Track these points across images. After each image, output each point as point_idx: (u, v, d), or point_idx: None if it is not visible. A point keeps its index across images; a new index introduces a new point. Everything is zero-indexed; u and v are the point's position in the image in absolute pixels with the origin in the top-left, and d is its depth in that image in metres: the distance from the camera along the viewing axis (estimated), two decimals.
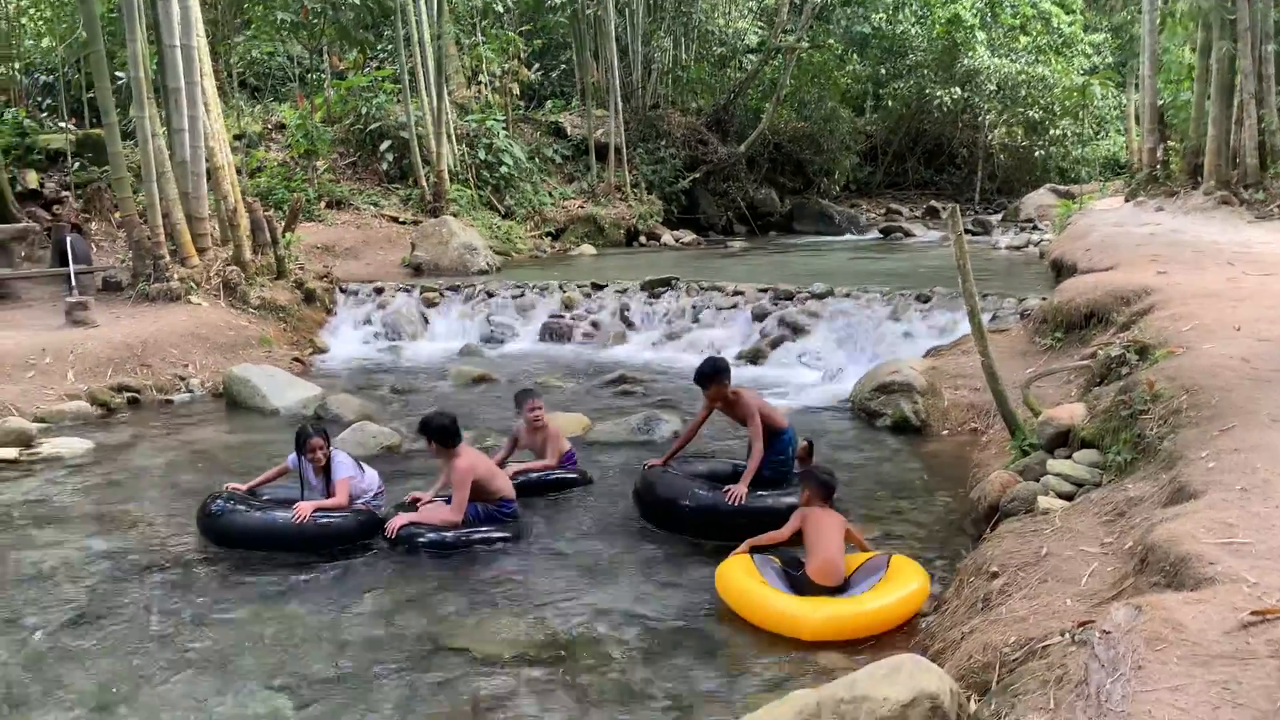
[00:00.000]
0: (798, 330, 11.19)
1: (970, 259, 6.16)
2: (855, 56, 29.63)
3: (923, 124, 30.42)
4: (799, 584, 4.80)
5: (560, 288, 13.22)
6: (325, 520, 5.67)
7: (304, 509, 5.64)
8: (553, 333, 12.57)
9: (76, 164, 16.68)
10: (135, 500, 6.63)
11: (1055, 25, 29.00)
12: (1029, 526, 4.72)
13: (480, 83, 22.76)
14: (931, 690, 2.99)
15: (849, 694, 3.03)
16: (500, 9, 23.25)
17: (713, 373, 6.06)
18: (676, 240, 22.08)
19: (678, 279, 12.91)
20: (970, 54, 27.60)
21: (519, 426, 6.91)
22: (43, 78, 21.13)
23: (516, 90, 23.58)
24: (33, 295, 12.72)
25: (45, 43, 20.61)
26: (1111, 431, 5.39)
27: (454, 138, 19.65)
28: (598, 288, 13.14)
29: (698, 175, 24.37)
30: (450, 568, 5.38)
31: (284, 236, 13.08)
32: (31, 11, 20.88)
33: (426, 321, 13.09)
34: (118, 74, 15.50)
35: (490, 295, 13.31)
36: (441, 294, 13.41)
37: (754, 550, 5.01)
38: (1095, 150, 30.88)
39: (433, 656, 4.35)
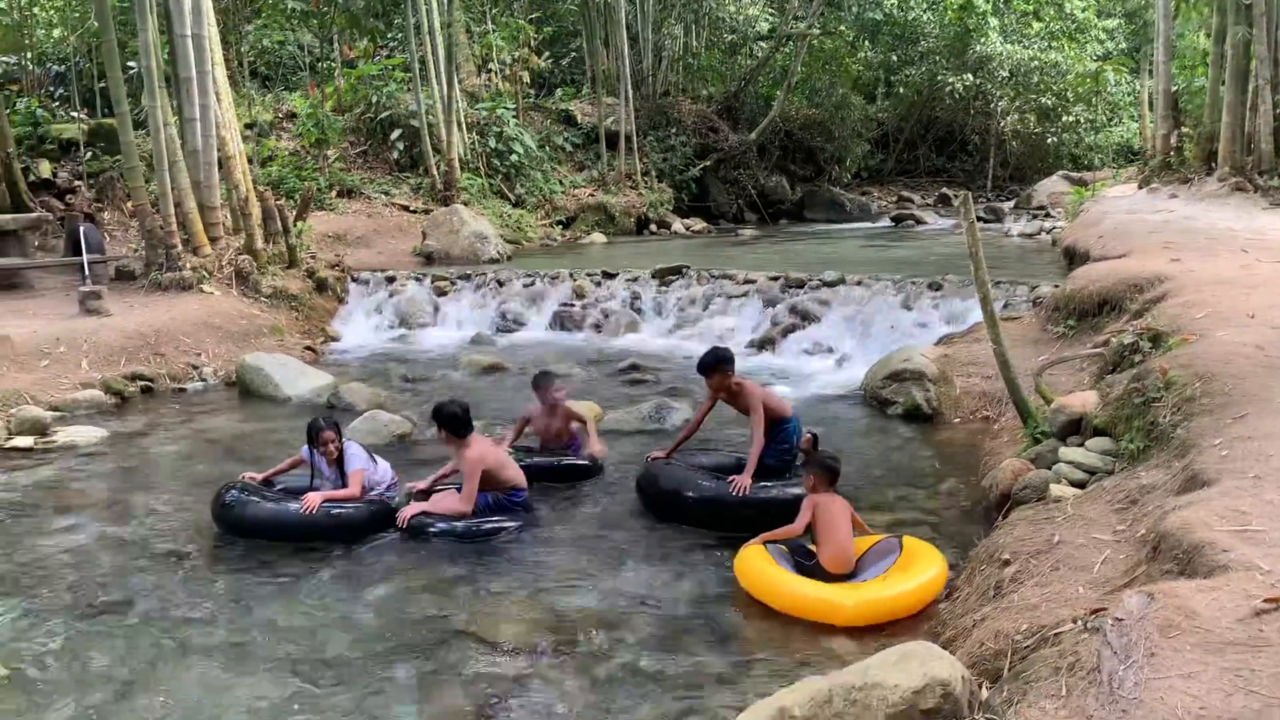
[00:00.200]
0: (809, 318, 11.17)
1: (982, 246, 6.15)
2: (867, 43, 29.51)
3: (934, 111, 30.30)
4: (811, 573, 4.81)
5: (571, 276, 13.22)
6: (337, 511, 5.70)
7: (312, 500, 5.66)
8: (564, 321, 12.58)
9: (89, 153, 16.72)
10: (149, 488, 6.67)
11: (1068, 11, 28.80)
12: (1041, 514, 4.72)
13: (490, 71, 22.73)
14: (943, 677, 2.99)
15: (860, 681, 3.04)
16: None
17: (715, 363, 6.05)
18: (687, 228, 22.05)
19: (688, 267, 12.90)
20: (982, 40, 27.45)
21: (533, 408, 6.89)
22: (55, 67, 21.17)
23: (527, 78, 23.55)
24: (46, 285, 12.78)
25: (57, 33, 20.65)
26: (1124, 419, 5.37)
27: (464, 126, 19.64)
28: (608, 276, 13.13)
29: (708, 163, 24.30)
30: (462, 556, 5.40)
31: (295, 225, 13.10)
32: (43, 1, 20.91)
33: (438, 310, 13.11)
34: (129, 63, 15.54)
35: (501, 284, 13.32)
36: (452, 283, 13.43)
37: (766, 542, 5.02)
38: (1108, 137, 30.72)
39: (445, 643, 4.37)
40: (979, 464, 6.57)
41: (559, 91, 24.92)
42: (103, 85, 16.61)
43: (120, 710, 3.86)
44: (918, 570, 4.63)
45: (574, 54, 26.69)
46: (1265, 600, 2.88)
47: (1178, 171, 16.07)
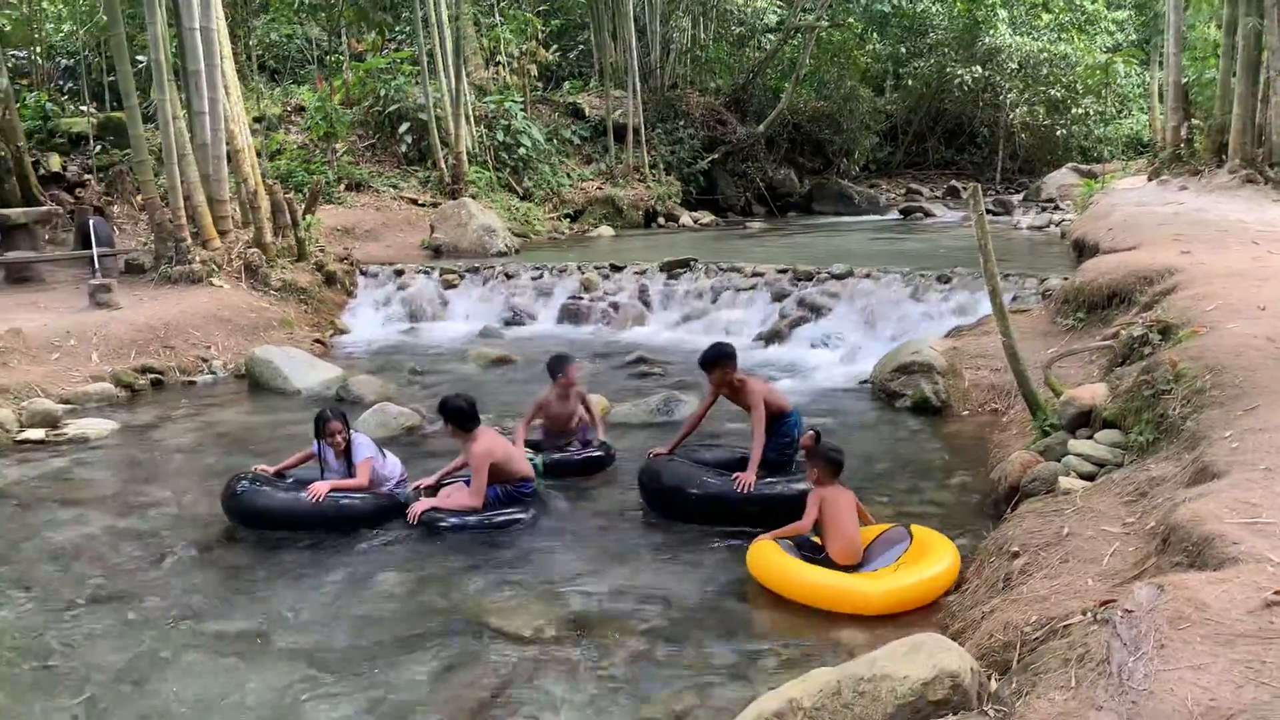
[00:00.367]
0: (817, 311, 11.15)
1: (991, 239, 6.13)
2: (875, 35, 29.41)
3: (943, 103, 30.21)
4: (820, 565, 4.81)
5: (579, 269, 13.23)
6: (344, 500, 5.73)
7: (319, 489, 5.69)
8: (572, 314, 12.59)
9: (98, 147, 16.77)
10: (159, 480, 6.70)
11: (1077, 2, 28.67)
12: (1050, 506, 4.71)
13: (498, 64, 22.72)
14: (952, 669, 2.99)
15: (869, 672, 3.04)
16: None
17: (716, 358, 6.01)
18: (695, 221, 22.02)
19: (696, 260, 12.89)
20: (991, 32, 27.34)
21: (548, 394, 6.86)
22: (64, 61, 21.23)
23: (534, 71, 23.53)
24: (57, 278, 12.82)
25: (66, 27, 20.69)
26: (1134, 411, 5.36)
27: (472, 119, 19.64)
28: (616, 269, 13.14)
29: (716, 156, 24.27)
30: (472, 548, 5.41)
31: (304, 219, 13.13)
32: None
33: (446, 303, 13.12)
34: (138, 57, 15.58)
35: (509, 277, 13.33)
36: (461, 276, 13.44)
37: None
38: (1118, 129, 30.60)
39: (456, 634, 4.38)
40: (988, 456, 6.55)
41: (567, 84, 24.91)
42: (112, 79, 16.65)
43: (132, 700, 3.88)
44: (934, 558, 4.64)
45: (582, 47, 26.66)
46: (1276, 592, 2.87)
47: (1188, 164, 15.99)
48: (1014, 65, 27.56)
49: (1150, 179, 16.53)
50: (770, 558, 4.81)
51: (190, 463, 7.15)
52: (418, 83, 19.34)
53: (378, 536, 5.60)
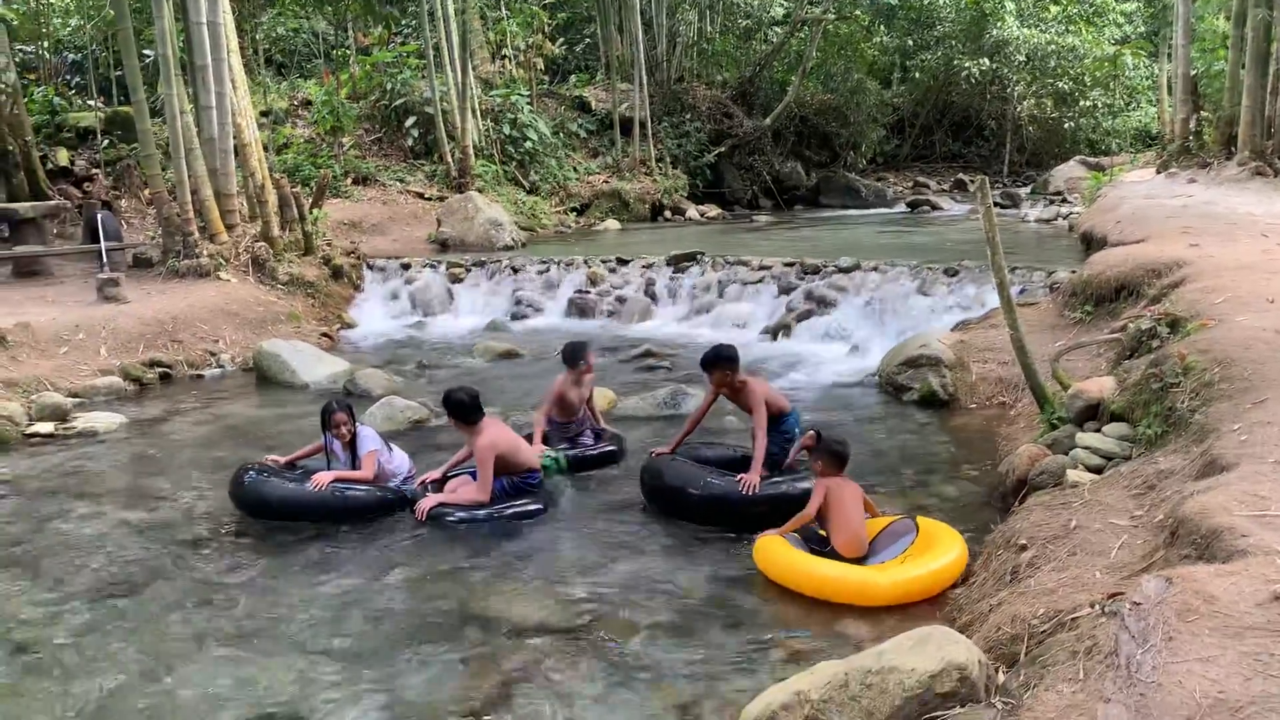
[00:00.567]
0: (824, 304, 11.14)
1: (999, 232, 6.11)
2: (882, 28, 29.32)
3: (950, 96, 30.10)
4: (826, 558, 4.81)
5: (585, 263, 13.22)
6: (347, 491, 5.77)
7: (322, 479, 5.75)
8: (578, 308, 12.59)
9: (106, 141, 16.81)
10: (168, 473, 6.72)
11: None
12: (1058, 499, 4.71)
13: (504, 57, 22.69)
14: (960, 661, 2.99)
15: (876, 665, 3.04)
16: None
17: (716, 360, 6.00)
18: (701, 215, 22.01)
19: (703, 254, 12.88)
20: (999, 24, 27.23)
21: (564, 381, 6.85)
22: (71, 56, 21.26)
23: (541, 65, 23.51)
24: (65, 272, 12.86)
25: (73, 21, 20.71)
26: (1142, 404, 5.35)
27: (479, 113, 19.63)
28: (623, 263, 13.13)
29: (723, 149, 24.23)
30: (479, 540, 5.43)
31: (311, 213, 13.14)
32: None
33: (453, 297, 13.14)
34: (145, 51, 15.60)
35: (516, 271, 13.34)
36: (467, 270, 13.45)
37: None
38: (1126, 122, 30.48)
39: (464, 626, 4.39)
40: (995, 449, 6.55)
41: (573, 78, 24.88)
42: (119, 73, 16.70)
43: (141, 692, 3.90)
44: (941, 550, 4.64)
45: (588, 40, 26.62)
46: None
47: (1196, 156, 15.92)
48: (1022, 58, 27.45)
49: (1159, 171, 16.46)
50: (776, 551, 4.82)
51: (199, 456, 7.17)
52: (424, 76, 19.33)
53: (386, 530, 5.62)
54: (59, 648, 4.26)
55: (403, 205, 17.64)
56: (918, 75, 29.77)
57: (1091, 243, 11.24)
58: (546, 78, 24.30)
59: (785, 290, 11.63)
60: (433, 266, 13.52)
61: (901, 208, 23.80)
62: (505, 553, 5.26)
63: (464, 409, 5.80)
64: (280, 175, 13.96)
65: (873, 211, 23.55)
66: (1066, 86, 28.09)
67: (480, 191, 17.74)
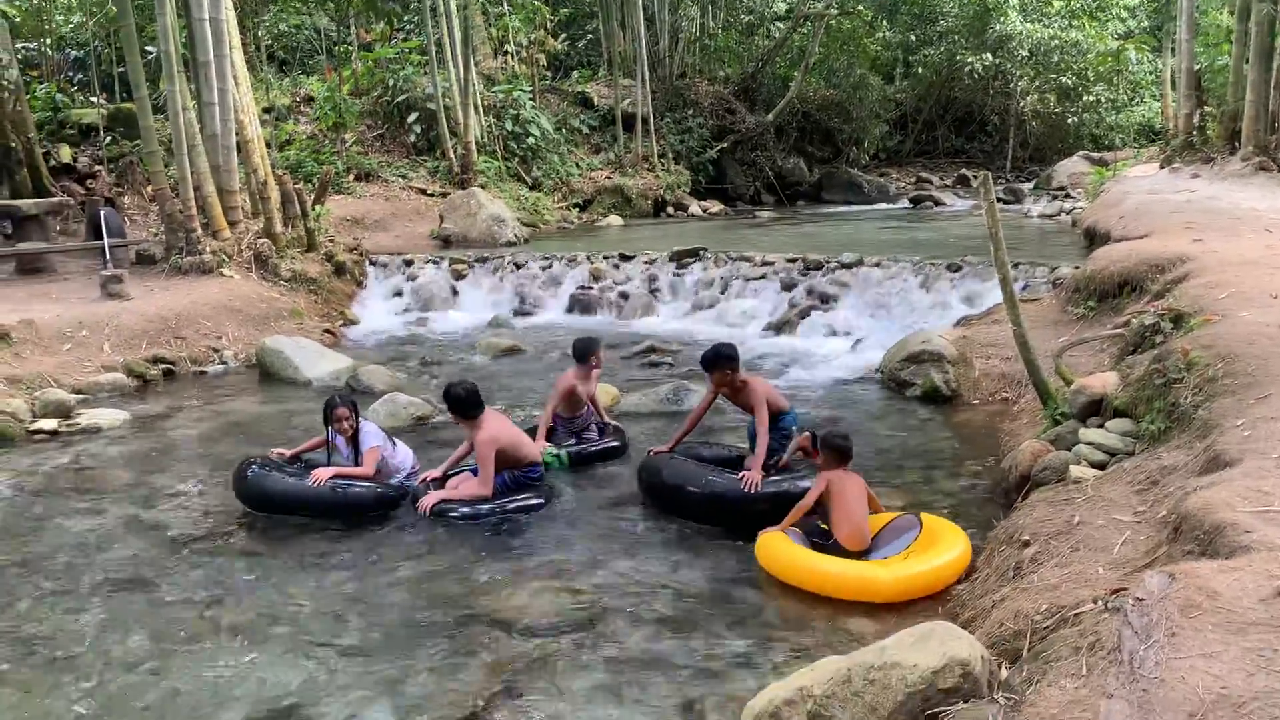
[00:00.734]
0: (827, 300, 11.15)
1: (1002, 227, 6.10)
2: (885, 23, 29.26)
3: (953, 91, 30.04)
4: (829, 553, 4.81)
5: (588, 259, 13.23)
6: (347, 488, 5.77)
7: (321, 474, 5.76)
8: (581, 304, 12.60)
9: (109, 138, 16.82)
10: (171, 470, 6.73)
11: None
12: (1061, 495, 4.70)
13: (507, 53, 22.69)
14: (962, 657, 2.99)
15: (879, 660, 3.04)
16: None
17: (716, 358, 5.99)
18: (704, 210, 22.00)
19: (706, 249, 12.88)
20: (1002, 19, 27.17)
21: (573, 377, 6.81)
22: (74, 53, 21.29)
23: (543, 60, 23.50)
24: (68, 269, 12.87)
25: (76, 18, 20.73)
26: (1145, 400, 5.34)
27: (481, 109, 19.62)
28: (625, 259, 13.13)
29: (725, 145, 24.21)
30: (481, 537, 5.44)
31: (313, 209, 13.15)
32: None
33: (455, 293, 13.15)
34: (147, 48, 15.59)
35: (518, 267, 13.34)
36: (470, 266, 13.46)
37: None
38: (1129, 117, 30.40)
39: (466, 623, 4.40)
40: (998, 445, 6.55)
41: (575, 74, 24.87)
42: (121, 70, 16.71)
43: (145, 689, 3.91)
44: (945, 546, 4.64)
45: (590, 36, 26.60)
46: None
47: (1200, 151, 15.88)
48: (1025, 53, 27.38)
49: (1162, 166, 16.43)
50: (778, 547, 4.82)
51: (202, 452, 7.19)
52: (426, 72, 19.33)
53: (390, 527, 5.63)
54: (65, 644, 4.27)
55: (405, 201, 17.65)
56: (920, 70, 29.71)
57: (1095, 238, 11.23)
58: (549, 73, 24.29)
59: (788, 286, 11.63)
60: (435, 263, 13.53)
61: (904, 203, 23.77)
62: (507, 549, 5.27)
63: (463, 403, 5.81)
64: (283, 172, 13.97)
65: (875, 207, 23.54)
66: (1070, 81, 28.02)
67: (483, 188, 17.74)
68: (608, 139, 22.55)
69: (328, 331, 11.45)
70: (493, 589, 4.75)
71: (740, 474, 5.56)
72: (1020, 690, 2.89)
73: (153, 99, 12.84)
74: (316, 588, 4.82)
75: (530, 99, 20.96)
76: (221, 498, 6.03)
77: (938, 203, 22.97)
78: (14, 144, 14.41)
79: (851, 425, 6.92)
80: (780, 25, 26.77)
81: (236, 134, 12.57)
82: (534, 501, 5.78)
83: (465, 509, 5.65)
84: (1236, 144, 14.79)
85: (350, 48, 21.98)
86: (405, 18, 22.80)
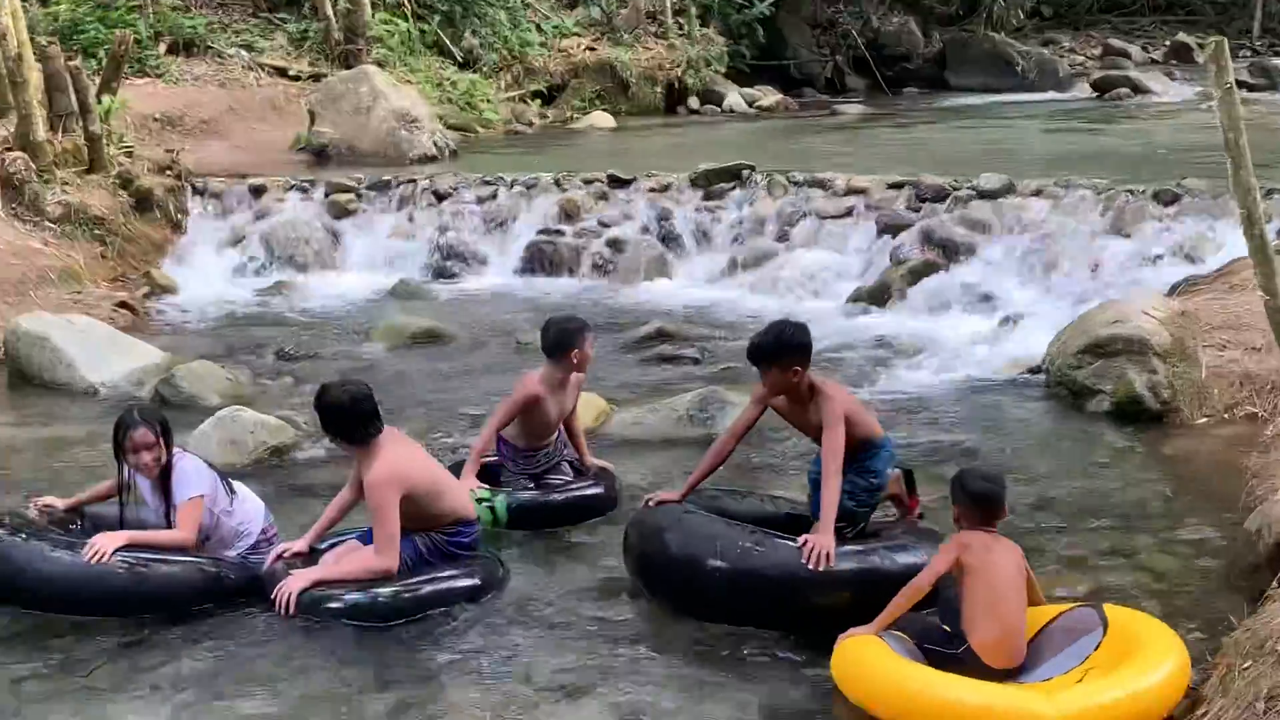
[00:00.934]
0: (954, 252, 11.16)
1: (1247, 131, 6.09)
2: None
3: None
4: (957, 671, 4.80)
5: (556, 185, 13.25)
6: (149, 568, 5.65)
7: (104, 544, 5.58)
8: (544, 259, 12.62)
9: None
10: None
11: None
12: None
13: None
14: None
15: None
16: None
17: (778, 346, 5.85)
18: (750, 104, 22.05)
19: (753, 169, 12.89)
20: None
21: (538, 383, 6.71)
22: None
23: None
24: None
25: None
26: None
27: None
28: (618, 184, 13.16)
29: None
30: (381, 645, 5.40)
31: (100, 102, 13.14)
32: None
33: (336, 241, 13.18)
34: None
35: (441, 198, 13.37)
36: (360, 196, 13.48)
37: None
38: None
39: None
40: (1239, 494, 6.54)
41: None
42: None
43: None
44: (1146, 659, 4.62)
45: None
46: None
47: None
48: None
49: None
50: (872, 661, 4.81)
51: None
52: None
53: (228, 631, 5.59)
54: None
55: (253, 89, 17.67)
56: None
57: None
58: None
59: (889, 229, 11.68)
60: (303, 190, 13.56)
61: (1082, 91, 23.85)
62: (423, 665, 5.26)
63: (346, 418, 5.74)
64: (49, 41, 13.95)
65: (1035, 97, 23.65)
66: None
67: (381, 66, 17.73)
68: None
69: (124, 305, 11.42)
70: None
71: (801, 538, 5.49)
72: None
73: None
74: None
75: None
76: None
77: (1138, 89, 23.00)
78: None
79: (996, 457, 6.92)
80: None
81: None
82: (464, 584, 5.75)
83: (353, 597, 5.61)
84: None
85: None
86: None
